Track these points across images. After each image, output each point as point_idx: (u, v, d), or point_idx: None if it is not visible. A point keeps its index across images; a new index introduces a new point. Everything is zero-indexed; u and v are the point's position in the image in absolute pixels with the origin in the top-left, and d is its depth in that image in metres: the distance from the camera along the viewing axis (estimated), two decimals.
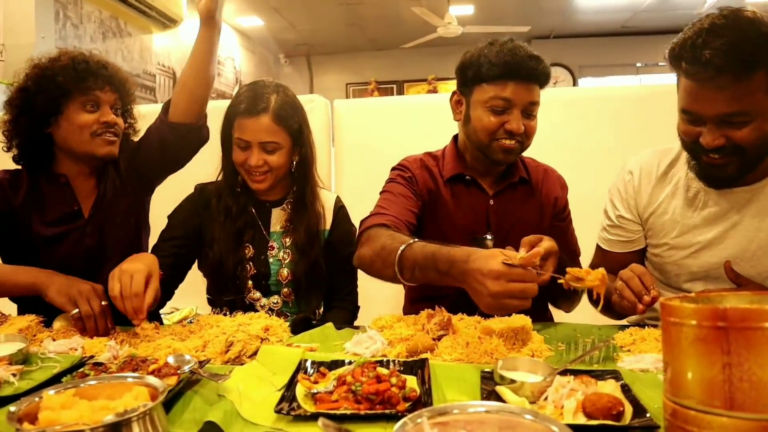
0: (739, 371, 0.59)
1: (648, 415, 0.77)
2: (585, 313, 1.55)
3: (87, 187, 1.62)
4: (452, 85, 1.60)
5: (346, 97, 10.44)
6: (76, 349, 1.18)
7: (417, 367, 0.98)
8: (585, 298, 1.38)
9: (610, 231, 1.54)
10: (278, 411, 0.82)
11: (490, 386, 0.90)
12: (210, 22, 1.50)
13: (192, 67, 1.54)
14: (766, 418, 0.58)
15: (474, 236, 1.54)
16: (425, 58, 9.79)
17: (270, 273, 1.62)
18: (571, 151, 2.23)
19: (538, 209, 1.62)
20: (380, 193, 1.58)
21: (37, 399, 0.78)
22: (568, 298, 1.57)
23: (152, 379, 0.84)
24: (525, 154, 1.59)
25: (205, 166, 1.67)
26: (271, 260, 1.63)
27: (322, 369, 0.97)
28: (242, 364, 1.10)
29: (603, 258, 1.57)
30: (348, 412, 0.81)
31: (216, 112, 1.62)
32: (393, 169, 1.64)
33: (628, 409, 0.79)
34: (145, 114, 1.72)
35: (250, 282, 1.61)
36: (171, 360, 1.01)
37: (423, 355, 1.08)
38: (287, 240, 1.64)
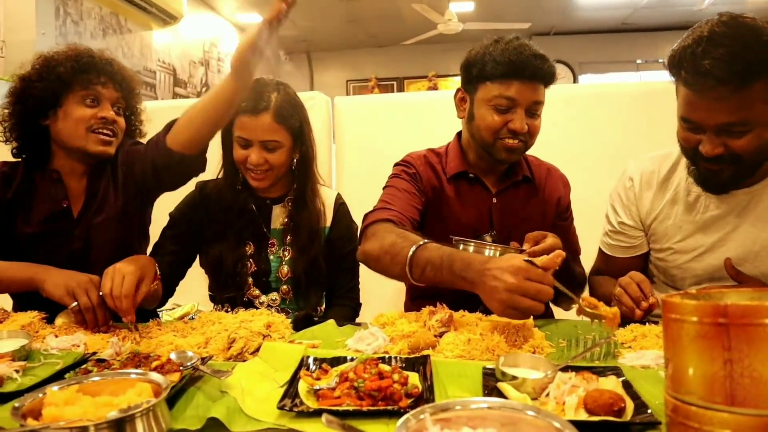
0: (740, 367, 0.60)
1: (649, 411, 0.77)
2: None
3: (79, 186, 1.58)
4: (453, 82, 1.61)
5: (346, 93, 10.42)
6: (78, 346, 1.18)
7: (419, 363, 0.98)
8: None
9: (612, 236, 1.54)
10: (281, 407, 0.82)
11: (491, 383, 0.90)
12: (240, 75, 1.30)
13: (205, 110, 1.36)
14: (767, 414, 0.59)
15: (476, 234, 1.53)
16: (426, 55, 9.76)
17: (270, 270, 1.63)
18: (571, 148, 2.24)
19: (541, 208, 1.62)
20: (384, 188, 1.56)
21: (40, 395, 0.79)
22: (567, 298, 1.57)
23: (155, 376, 0.84)
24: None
25: None
26: (271, 257, 1.63)
27: (324, 365, 0.97)
28: (244, 361, 1.10)
29: (606, 262, 1.57)
30: (350, 408, 0.82)
31: None
32: (397, 164, 1.62)
33: (630, 405, 0.80)
34: (144, 110, 1.71)
35: (250, 279, 1.62)
36: (173, 356, 1.01)
37: (425, 352, 1.08)
38: (287, 237, 1.64)
